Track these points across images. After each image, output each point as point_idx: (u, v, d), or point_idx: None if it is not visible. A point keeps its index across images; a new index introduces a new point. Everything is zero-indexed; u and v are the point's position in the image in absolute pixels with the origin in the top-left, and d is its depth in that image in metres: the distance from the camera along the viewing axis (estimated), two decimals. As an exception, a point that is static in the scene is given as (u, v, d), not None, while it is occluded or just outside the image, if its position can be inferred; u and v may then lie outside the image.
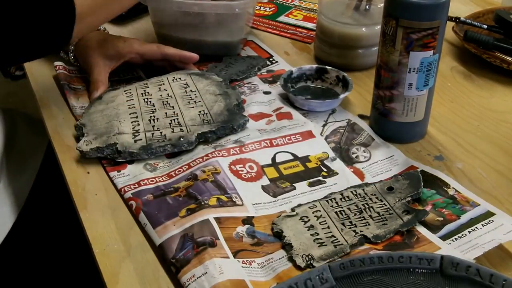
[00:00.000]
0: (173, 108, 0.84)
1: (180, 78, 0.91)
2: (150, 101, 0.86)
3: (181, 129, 0.80)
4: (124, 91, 0.89)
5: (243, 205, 0.70)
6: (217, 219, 0.67)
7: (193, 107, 0.84)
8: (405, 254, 0.57)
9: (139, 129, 0.81)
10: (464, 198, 0.71)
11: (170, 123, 0.81)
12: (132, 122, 0.82)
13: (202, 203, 0.69)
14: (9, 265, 0.89)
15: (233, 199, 0.71)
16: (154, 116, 0.83)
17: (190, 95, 0.87)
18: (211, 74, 0.93)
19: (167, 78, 0.91)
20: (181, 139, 0.79)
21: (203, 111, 0.83)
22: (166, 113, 0.83)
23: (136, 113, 0.84)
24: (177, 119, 0.82)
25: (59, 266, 0.93)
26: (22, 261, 0.91)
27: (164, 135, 0.80)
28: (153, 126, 0.81)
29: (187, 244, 0.64)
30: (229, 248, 0.64)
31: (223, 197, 0.70)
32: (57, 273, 0.93)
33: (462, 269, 0.55)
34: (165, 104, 0.85)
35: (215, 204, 0.69)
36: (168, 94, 0.87)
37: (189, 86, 0.89)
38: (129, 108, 0.85)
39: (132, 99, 0.87)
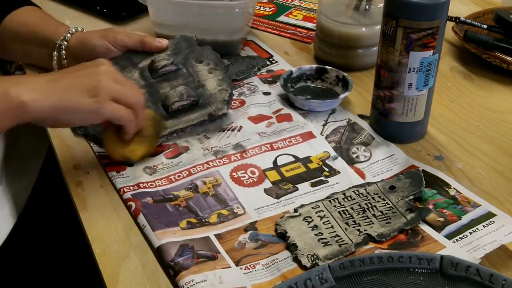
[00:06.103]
0: None
1: None
2: None
3: None
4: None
5: (245, 213, 0.70)
6: (218, 236, 0.67)
7: None
8: (405, 254, 0.57)
9: None
10: (465, 199, 0.71)
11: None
12: None
13: (203, 220, 0.69)
14: (9, 266, 0.88)
15: (234, 210, 0.70)
16: None
17: None
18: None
19: None
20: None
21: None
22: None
23: None
24: None
25: (59, 266, 0.93)
26: (22, 262, 0.91)
27: None
28: None
29: (186, 252, 0.64)
30: (231, 258, 0.64)
31: (224, 211, 0.70)
32: (57, 273, 0.93)
33: (462, 269, 0.55)
34: None
35: (216, 221, 0.69)
36: None
37: None
38: None
39: None
